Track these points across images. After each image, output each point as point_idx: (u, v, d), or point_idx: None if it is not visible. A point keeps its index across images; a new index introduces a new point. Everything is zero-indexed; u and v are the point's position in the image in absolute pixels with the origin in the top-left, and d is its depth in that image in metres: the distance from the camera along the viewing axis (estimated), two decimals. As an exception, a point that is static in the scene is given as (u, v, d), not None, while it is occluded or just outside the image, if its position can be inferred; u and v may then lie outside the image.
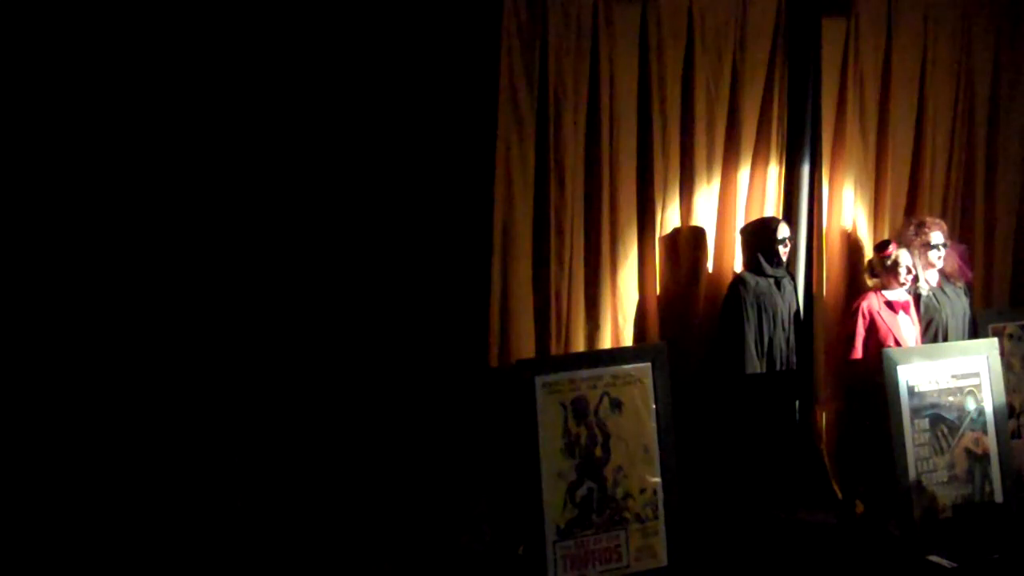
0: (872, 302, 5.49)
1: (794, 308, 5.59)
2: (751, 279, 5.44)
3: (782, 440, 5.52)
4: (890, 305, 5.49)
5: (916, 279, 5.60)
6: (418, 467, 5.01)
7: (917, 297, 5.64)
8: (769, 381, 5.43)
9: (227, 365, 4.81)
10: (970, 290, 5.93)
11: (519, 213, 5.10)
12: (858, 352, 5.45)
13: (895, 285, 5.51)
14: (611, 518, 4.85)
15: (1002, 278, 6.44)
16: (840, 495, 5.73)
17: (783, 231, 5.52)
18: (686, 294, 5.61)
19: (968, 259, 5.98)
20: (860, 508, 5.55)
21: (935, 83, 6.10)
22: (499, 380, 4.99)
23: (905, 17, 5.96)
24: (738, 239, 5.68)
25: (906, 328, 5.50)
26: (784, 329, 5.50)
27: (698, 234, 5.63)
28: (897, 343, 5.41)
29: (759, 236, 5.50)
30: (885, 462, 5.23)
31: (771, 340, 5.44)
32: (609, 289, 5.40)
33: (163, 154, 4.71)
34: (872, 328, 5.45)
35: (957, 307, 5.72)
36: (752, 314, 5.37)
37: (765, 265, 5.47)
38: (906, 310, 5.53)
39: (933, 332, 5.64)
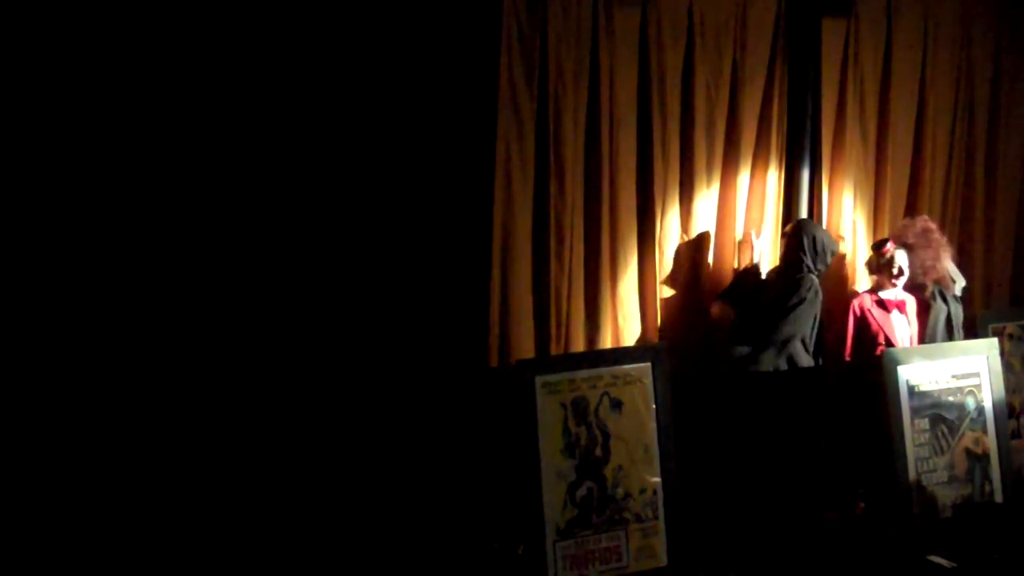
0: (864, 300, 5.52)
1: None
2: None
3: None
4: (883, 304, 5.51)
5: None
6: (417, 467, 5.01)
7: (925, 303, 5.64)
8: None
9: (226, 366, 4.81)
10: (947, 296, 5.85)
11: (519, 213, 5.10)
12: (849, 350, 5.46)
13: (888, 284, 5.53)
14: (611, 518, 4.85)
15: (1002, 278, 6.44)
16: (840, 495, 5.72)
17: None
18: (687, 294, 5.61)
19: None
20: (860, 508, 5.55)
21: (935, 83, 6.09)
22: (499, 380, 4.99)
23: (905, 17, 5.95)
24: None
25: (899, 327, 5.51)
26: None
27: (699, 234, 5.63)
28: (889, 342, 5.42)
29: (826, 244, 5.47)
30: (885, 462, 5.23)
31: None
32: (609, 289, 5.40)
33: (165, 156, 4.70)
34: (863, 326, 5.47)
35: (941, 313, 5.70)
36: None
37: (820, 265, 5.48)
38: (901, 309, 5.54)
39: None
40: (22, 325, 4.54)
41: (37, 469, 4.54)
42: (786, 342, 5.34)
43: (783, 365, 5.36)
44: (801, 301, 5.35)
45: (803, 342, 5.40)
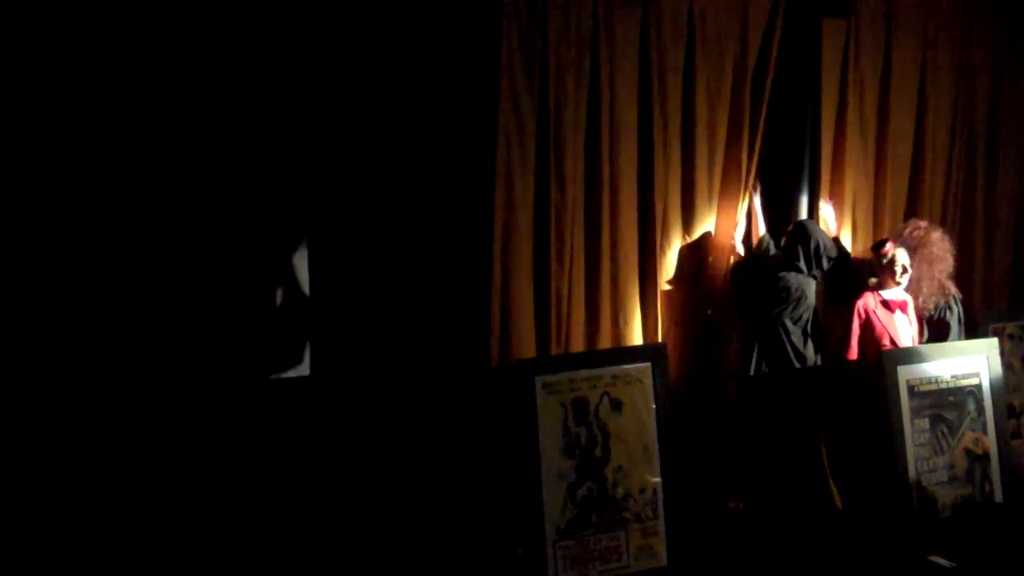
0: (868, 301, 5.52)
1: None
2: None
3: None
4: (886, 304, 5.51)
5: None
6: (418, 466, 5.01)
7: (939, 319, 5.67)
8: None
9: (228, 365, 4.81)
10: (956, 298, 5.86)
11: (519, 213, 5.10)
12: (854, 351, 5.47)
13: (891, 284, 5.53)
14: (611, 518, 4.85)
15: (1002, 278, 6.45)
16: (839, 497, 5.72)
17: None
18: (687, 294, 5.61)
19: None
20: (858, 507, 5.55)
21: (935, 84, 6.10)
22: (499, 380, 5.00)
23: (905, 17, 5.96)
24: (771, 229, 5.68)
25: (903, 327, 5.52)
26: None
27: (699, 234, 5.63)
28: (893, 342, 5.43)
29: (823, 246, 5.50)
30: (884, 462, 5.23)
31: None
32: (609, 289, 5.40)
33: (161, 155, 4.70)
34: (868, 327, 5.48)
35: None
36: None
37: (815, 269, 5.51)
38: (903, 309, 5.55)
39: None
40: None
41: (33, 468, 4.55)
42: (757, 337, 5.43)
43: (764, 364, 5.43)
44: (775, 300, 5.39)
45: (791, 341, 5.42)
